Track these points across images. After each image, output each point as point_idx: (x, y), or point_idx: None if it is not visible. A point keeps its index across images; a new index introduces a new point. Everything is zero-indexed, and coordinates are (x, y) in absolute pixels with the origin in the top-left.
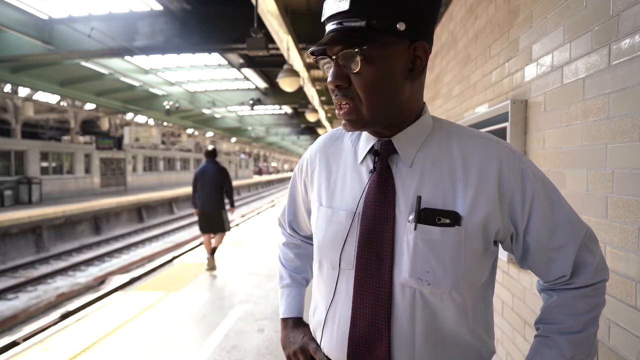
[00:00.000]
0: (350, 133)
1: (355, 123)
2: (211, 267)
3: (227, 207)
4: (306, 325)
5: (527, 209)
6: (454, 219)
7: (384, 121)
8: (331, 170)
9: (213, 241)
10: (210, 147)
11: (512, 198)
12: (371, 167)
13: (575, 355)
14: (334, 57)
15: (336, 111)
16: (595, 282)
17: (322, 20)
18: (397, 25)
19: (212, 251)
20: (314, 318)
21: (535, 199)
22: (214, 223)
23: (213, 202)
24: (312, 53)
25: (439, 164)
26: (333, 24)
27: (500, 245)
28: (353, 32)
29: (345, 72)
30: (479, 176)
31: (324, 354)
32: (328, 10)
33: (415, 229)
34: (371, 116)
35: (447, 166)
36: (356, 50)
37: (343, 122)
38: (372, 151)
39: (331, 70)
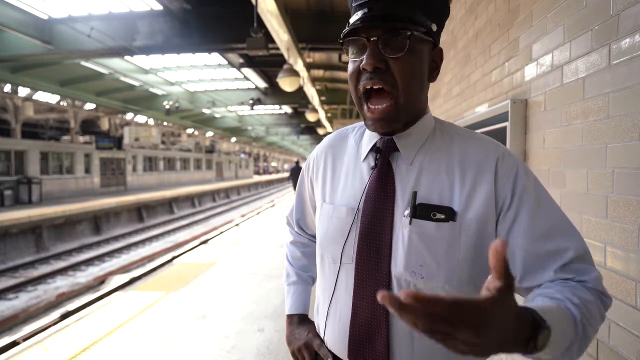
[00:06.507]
0: (354, 132)
1: (392, 118)
2: None
3: None
4: (311, 322)
5: (516, 204)
6: (449, 214)
7: (407, 116)
8: (335, 168)
9: None
10: (295, 160)
11: (505, 194)
12: (372, 164)
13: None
14: (372, 38)
15: (365, 108)
16: (605, 294)
17: (355, 4)
18: (432, 25)
19: None
20: (318, 313)
21: (525, 195)
22: None
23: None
24: (347, 34)
25: (437, 162)
26: (373, 8)
27: None
28: (401, 17)
29: (384, 56)
30: (476, 174)
31: (328, 348)
32: None
33: (410, 223)
34: (406, 106)
35: (444, 164)
36: (408, 33)
37: (372, 122)
38: (374, 149)
39: (368, 52)
